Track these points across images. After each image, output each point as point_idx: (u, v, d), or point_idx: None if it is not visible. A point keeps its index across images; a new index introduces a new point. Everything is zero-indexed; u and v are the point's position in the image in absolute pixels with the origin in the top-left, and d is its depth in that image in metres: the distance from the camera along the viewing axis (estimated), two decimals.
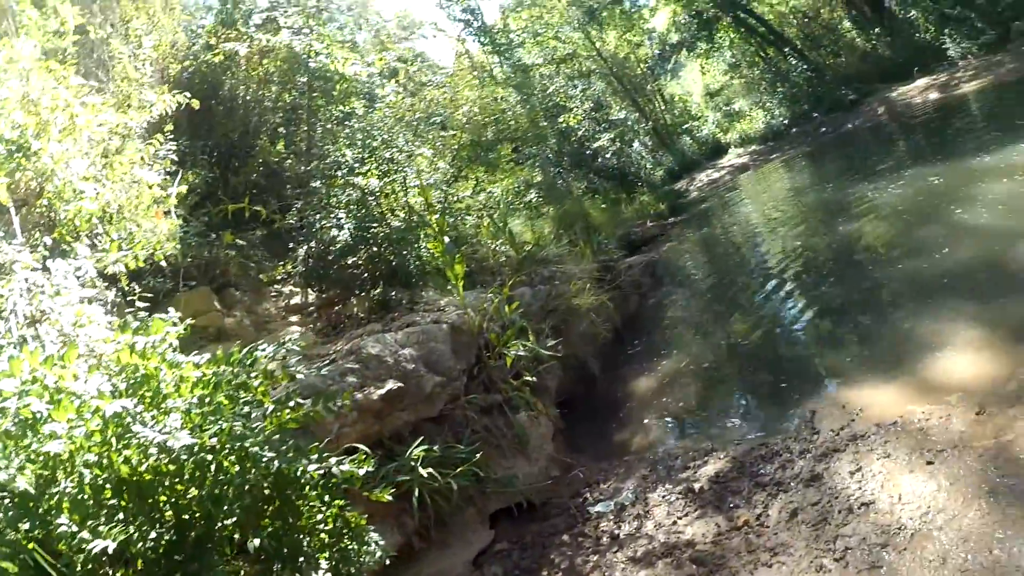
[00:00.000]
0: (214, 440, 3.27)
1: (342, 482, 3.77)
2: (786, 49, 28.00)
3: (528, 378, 6.94)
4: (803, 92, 26.11)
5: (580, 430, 7.82)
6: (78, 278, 4.95)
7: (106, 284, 5.90)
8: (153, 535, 3.09)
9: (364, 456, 4.08)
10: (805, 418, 6.10)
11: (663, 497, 5.80)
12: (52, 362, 3.11)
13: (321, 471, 3.65)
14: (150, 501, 3.20)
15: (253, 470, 3.37)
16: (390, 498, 4.29)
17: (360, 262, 8.09)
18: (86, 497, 3.03)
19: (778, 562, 4.52)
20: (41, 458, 2.96)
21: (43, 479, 3.00)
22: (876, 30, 25.64)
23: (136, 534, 3.03)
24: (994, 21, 20.47)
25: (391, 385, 5.95)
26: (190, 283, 7.30)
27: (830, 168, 18.02)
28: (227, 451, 3.34)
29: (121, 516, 3.10)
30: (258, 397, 3.77)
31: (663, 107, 29.68)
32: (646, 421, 7.51)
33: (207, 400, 3.46)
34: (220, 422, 3.33)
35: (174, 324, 3.76)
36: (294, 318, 7.98)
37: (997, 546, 3.83)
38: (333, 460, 3.72)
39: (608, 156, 20.91)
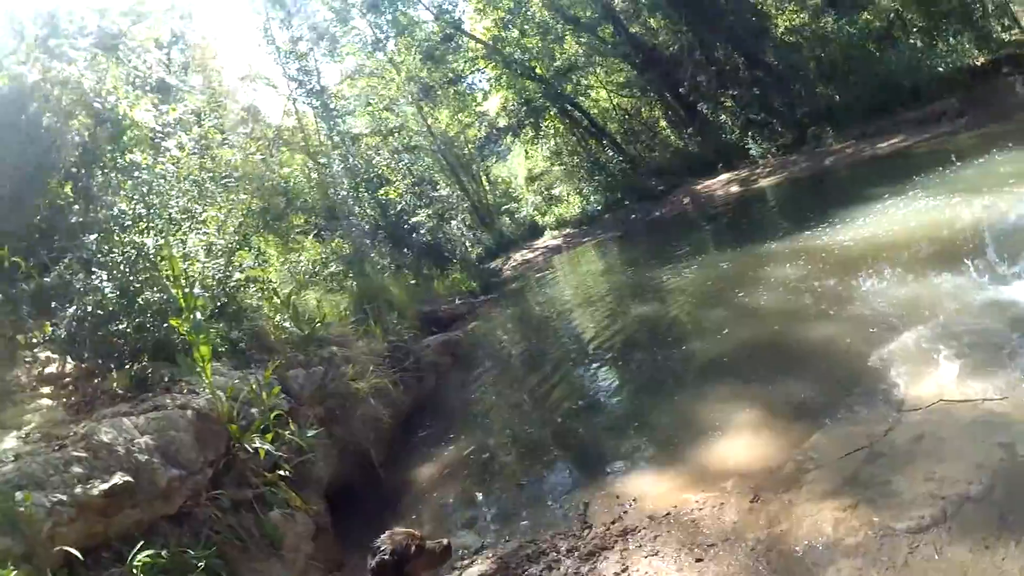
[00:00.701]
0: None
1: None
2: (605, 141, 29.46)
3: (283, 472, 6.39)
4: (618, 181, 27.47)
5: (355, 523, 7.26)
6: None
7: None
8: None
9: None
10: (578, 511, 5.92)
11: None
12: None
13: None
14: None
15: None
16: None
17: (126, 330, 7.33)
18: None
19: None
20: None
21: None
22: (688, 130, 27.63)
23: None
24: (791, 125, 22.81)
25: (117, 479, 5.26)
26: None
27: (635, 252, 19.01)
28: None
29: None
30: None
31: (487, 187, 30.19)
32: (422, 515, 7.10)
33: None
34: None
35: None
36: (46, 389, 7.04)
37: None
38: None
39: (424, 232, 20.84)
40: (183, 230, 8.55)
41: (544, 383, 9.91)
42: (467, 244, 24.45)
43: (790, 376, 6.72)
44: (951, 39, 20.97)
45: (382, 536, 3.83)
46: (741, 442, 5.93)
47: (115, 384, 7.11)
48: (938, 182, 12.13)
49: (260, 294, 9.35)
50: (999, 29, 21.02)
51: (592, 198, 27.79)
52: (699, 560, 4.60)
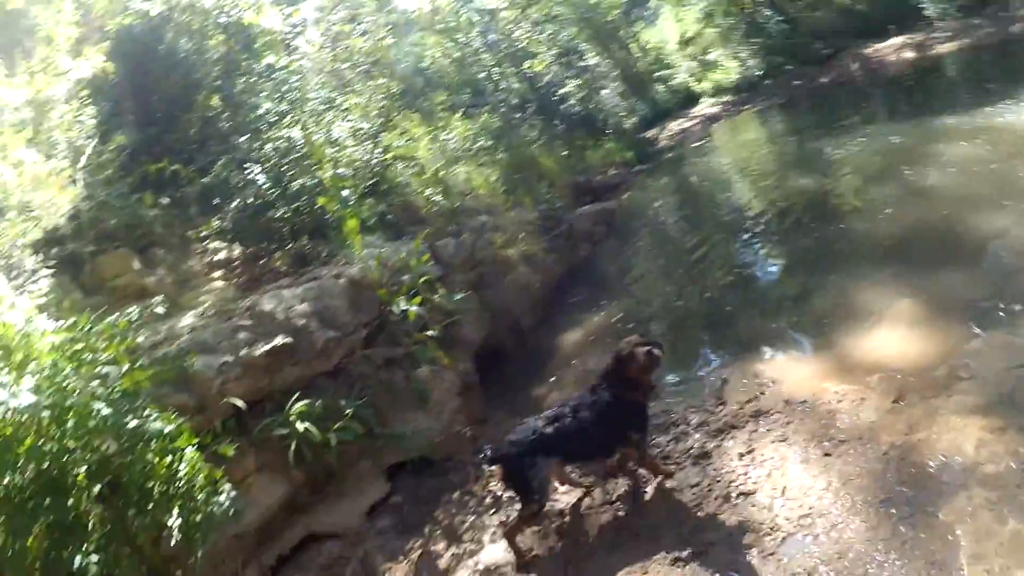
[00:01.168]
0: (55, 399, 3.50)
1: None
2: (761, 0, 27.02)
3: (430, 332, 6.55)
4: (777, 44, 25.15)
5: (501, 384, 7.49)
6: None
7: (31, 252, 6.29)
8: (7, 480, 3.44)
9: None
10: (715, 386, 5.75)
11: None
12: None
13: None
14: (7, 453, 3.48)
15: (95, 425, 3.58)
16: (232, 452, 4.41)
17: (284, 215, 7.72)
18: None
19: (636, 546, 4.24)
20: None
21: None
22: None
23: None
24: None
25: (278, 341, 5.65)
26: (114, 244, 7.08)
27: (798, 121, 17.47)
28: (67, 410, 3.55)
29: None
30: (118, 358, 4.00)
31: (637, 54, 28.66)
32: (567, 377, 7.14)
33: (57, 364, 3.68)
34: (66, 383, 3.61)
35: None
36: (217, 274, 7.62)
37: (874, 570, 3.43)
38: (153, 416, 3.85)
39: (574, 103, 20.24)
40: (327, 119, 8.74)
41: (697, 255, 9.50)
42: (620, 114, 23.53)
43: (957, 269, 6.02)
44: None
45: (622, 342, 4.59)
46: (894, 336, 5.39)
47: (278, 263, 7.57)
48: None
49: (409, 171, 9.45)
50: None
51: (750, 63, 25.64)
52: (827, 455, 4.34)
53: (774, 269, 8.21)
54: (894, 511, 3.70)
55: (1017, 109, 10.11)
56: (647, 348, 4.43)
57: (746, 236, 9.53)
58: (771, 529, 3.91)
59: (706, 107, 24.96)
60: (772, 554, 3.75)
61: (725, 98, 24.96)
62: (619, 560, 4.18)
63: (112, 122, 8.21)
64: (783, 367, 5.63)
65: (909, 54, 18.73)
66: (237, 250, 8.04)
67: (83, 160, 7.21)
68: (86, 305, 5.52)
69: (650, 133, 22.99)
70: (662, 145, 21.19)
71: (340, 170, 7.35)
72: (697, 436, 5.02)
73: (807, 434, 4.60)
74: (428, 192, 9.25)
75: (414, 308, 6.38)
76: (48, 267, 6.34)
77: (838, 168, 10.82)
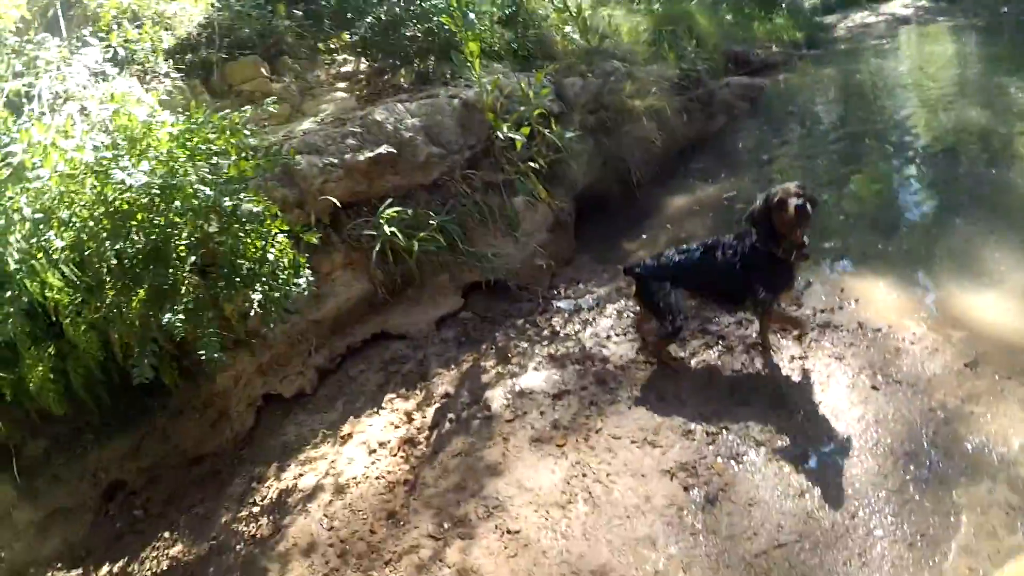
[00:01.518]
0: (166, 181, 3.88)
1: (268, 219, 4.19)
2: None
3: (534, 164, 6.45)
4: None
5: (599, 230, 7.40)
6: (109, 61, 5.58)
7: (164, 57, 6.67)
8: (119, 246, 3.82)
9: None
10: (798, 285, 5.37)
11: (618, 311, 5.51)
12: (46, 127, 4.01)
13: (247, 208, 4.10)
14: (122, 225, 3.88)
15: (198, 204, 3.92)
16: (316, 240, 4.56)
17: (414, 34, 7.61)
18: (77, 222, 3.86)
19: (658, 408, 4.27)
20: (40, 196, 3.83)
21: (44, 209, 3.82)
22: None
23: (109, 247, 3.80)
24: None
25: (382, 150, 5.72)
26: (244, 52, 7.23)
27: (996, 48, 15.08)
28: (176, 190, 3.91)
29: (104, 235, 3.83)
30: (228, 150, 4.33)
31: None
32: (660, 238, 6.99)
33: (172, 152, 4.07)
34: (178, 168, 4.00)
35: None
36: (342, 84, 7.69)
37: (865, 513, 3.35)
38: (246, 199, 4.13)
39: None
40: None
41: (837, 155, 8.84)
42: None
43: None
44: None
45: (776, 186, 4.27)
46: (1002, 304, 4.80)
47: (402, 79, 7.59)
48: None
49: (550, 5, 9.05)
50: None
51: None
52: (874, 388, 4.13)
53: (910, 193, 7.51)
54: (912, 468, 3.55)
55: None
56: (800, 201, 4.05)
57: (896, 152, 8.69)
58: (787, 438, 3.85)
59: (898, 6, 22.52)
60: (777, 459, 3.73)
61: (922, 2, 22.48)
62: (635, 416, 4.23)
63: None
64: (873, 290, 5.27)
65: None
66: (364, 64, 8.06)
67: None
68: (213, 106, 5.85)
69: (829, 19, 21.09)
70: (838, 34, 19.42)
71: None
72: (756, 327, 4.81)
73: (864, 361, 4.38)
74: (568, 29, 8.87)
75: (519, 137, 6.26)
76: (179, 71, 6.67)
77: (1014, 111, 9.49)
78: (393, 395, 4.95)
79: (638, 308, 4.97)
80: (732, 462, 3.76)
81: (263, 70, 7.11)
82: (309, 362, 5.24)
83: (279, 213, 4.32)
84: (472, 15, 6.75)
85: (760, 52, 15.06)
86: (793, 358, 4.51)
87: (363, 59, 8.09)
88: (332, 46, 8.26)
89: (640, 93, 8.25)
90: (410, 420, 4.66)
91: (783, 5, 19.01)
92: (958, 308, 4.85)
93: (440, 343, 5.45)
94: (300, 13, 8.11)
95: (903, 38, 18.18)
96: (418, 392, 4.93)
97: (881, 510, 3.32)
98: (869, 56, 16.06)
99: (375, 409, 4.84)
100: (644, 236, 7.06)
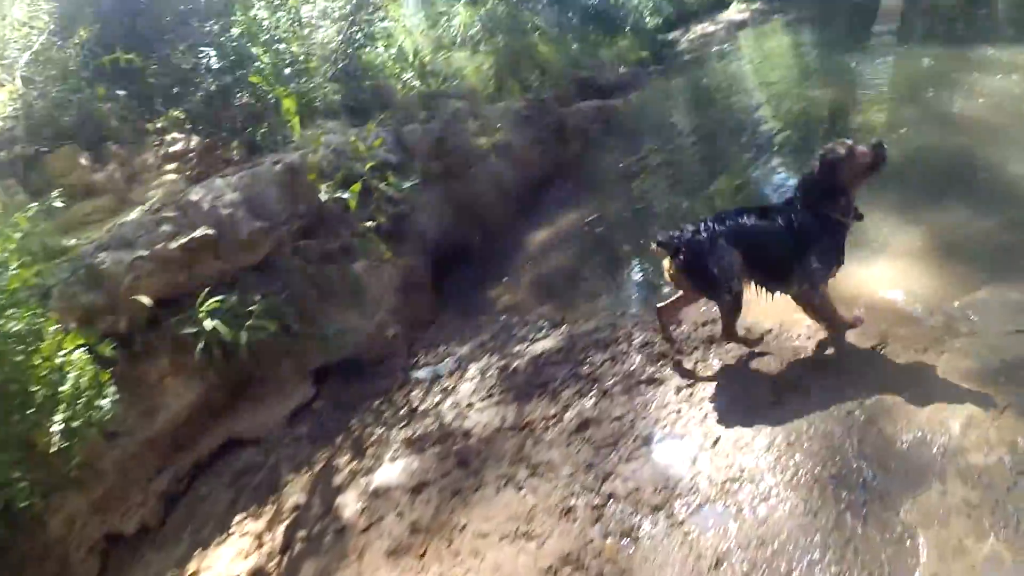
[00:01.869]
0: None
1: None
2: None
3: (370, 223, 5.84)
4: None
5: (460, 281, 6.86)
6: None
7: None
8: None
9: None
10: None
11: (481, 371, 4.90)
12: None
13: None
14: None
15: None
16: (111, 352, 4.11)
17: (246, 102, 6.93)
18: None
19: (529, 485, 3.59)
20: None
21: None
22: None
23: None
24: None
25: (197, 233, 5.01)
26: (65, 142, 6.38)
27: (829, 34, 15.85)
28: None
29: None
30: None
31: None
32: (521, 280, 6.49)
33: None
34: None
35: None
36: (171, 166, 6.89)
37: (800, 571, 2.66)
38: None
39: None
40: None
41: (698, 159, 8.70)
42: (644, 13, 22.04)
43: (969, 206, 5.01)
44: None
45: (827, 145, 3.84)
46: (892, 270, 4.44)
47: (233, 152, 6.88)
48: None
49: (388, 55, 8.55)
50: None
51: None
52: (777, 403, 3.56)
53: (771, 184, 7.23)
54: (844, 493, 2.89)
55: None
56: (876, 142, 3.75)
57: (749, 146, 8.51)
58: (688, 490, 3.19)
59: (734, 12, 23.19)
60: (680, 523, 3.03)
61: (755, 5, 23.15)
62: (505, 501, 3.60)
63: (77, 15, 7.35)
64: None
65: None
66: (195, 140, 7.32)
67: (25, 59, 6.58)
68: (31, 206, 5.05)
69: (672, 35, 21.47)
70: (682, 47, 19.77)
71: (281, 45, 6.44)
72: (636, 359, 4.34)
73: (761, 373, 3.84)
74: (407, 76, 8.38)
75: (348, 196, 5.64)
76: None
77: (858, 85, 9.77)
78: (243, 514, 4.22)
79: (680, 290, 4.19)
80: (626, 540, 3.07)
81: (82, 160, 6.30)
82: (151, 489, 4.49)
83: (87, 322, 3.93)
84: (288, 70, 6.12)
85: (609, 75, 15.01)
86: (679, 389, 3.95)
87: (193, 135, 7.34)
88: (160, 125, 7.49)
89: (486, 131, 7.80)
90: (260, 544, 3.93)
91: (626, 28, 19.19)
92: (849, 286, 4.35)
93: (292, 443, 4.75)
94: (123, 93, 7.28)
95: (743, 40, 18.61)
96: (269, 507, 4.21)
97: (820, 560, 2.67)
98: (714, 62, 16.31)
99: (224, 536, 4.10)
100: (506, 279, 6.54)
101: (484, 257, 7.12)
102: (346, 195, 5.66)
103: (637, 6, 21.52)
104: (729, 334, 4.03)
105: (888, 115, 7.89)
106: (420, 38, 10.07)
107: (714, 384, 3.90)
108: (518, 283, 6.39)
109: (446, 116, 7.64)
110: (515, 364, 4.74)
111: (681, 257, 3.90)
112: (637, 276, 5.93)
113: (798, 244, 3.78)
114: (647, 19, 21.81)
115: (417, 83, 8.28)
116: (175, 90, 7.32)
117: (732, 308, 3.91)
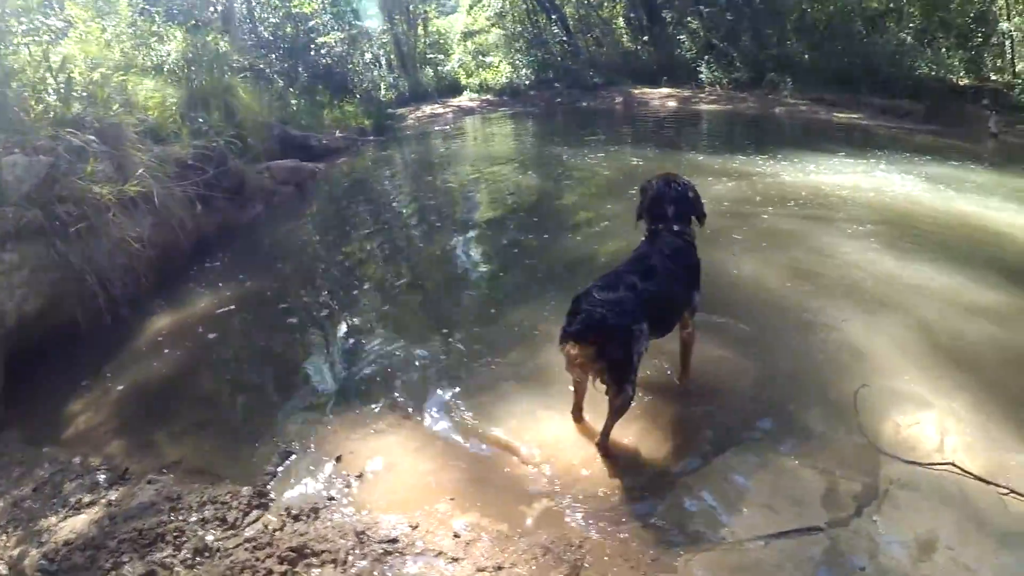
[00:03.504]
0: None
1: None
2: (556, 19, 25.85)
3: None
4: (556, 63, 24.44)
5: (45, 383, 4.69)
6: None
7: None
8: None
9: None
10: (273, 465, 3.56)
11: None
12: None
13: None
14: None
15: None
16: None
17: None
18: None
19: None
20: None
21: None
22: (645, 37, 24.71)
23: None
24: (751, 64, 20.34)
25: None
26: None
27: (548, 129, 17.06)
28: None
29: None
30: None
31: (420, 34, 26.29)
32: (121, 387, 4.63)
33: None
34: None
35: None
36: None
37: None
38: None
39: (326, 54, 17.62)
40: None
41: (379, 244, 7.67)
42: (379, 85, 21.23)
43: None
44: (942, 50, 18.86)
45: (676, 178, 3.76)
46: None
47: None
48: (907, 163, 10.60)
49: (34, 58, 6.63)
50: (992, 62, 19.31)
51: (523, 71, 24.35)
52: None
53: (465, 276, 6.64)
54: None
55: (774, 165, 10.19)
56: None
57: (448, 230, 8.03)
58: None
59: (466, 99, 23.41)
60: None
61: (488, 96, 23.58)
62: None
63: None
64: (397, 444, 3.64)
65: (673, 103, 19.13)
66: None
67: None
68: None
69: (402, 110, 20.88)
70: (408, 123, 19.25)
71: None
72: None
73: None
74: (48, 92, 6.48)
75: None
76: None
77: (569, 176, 10.32)
78: None
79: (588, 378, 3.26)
80: None
81: None
82: None
83: None
84: None
85: (323, 138, 13.82)
86: None
87: None
88: None
89: (122, 177, 6.14)
90: None
91: (357, 95, 18.26)
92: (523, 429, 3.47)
93: None
94: None
95: (468, 124, 18.86)
96: None
97: None
98: (434, 140, 16.26)
99: None
100: (85, 383, 4.67)
101: (92, 349, 5.13)
102: None
103: (374, 77, 20.82)
104: (607, 448, 3.31)
105: (591, 208, 8.25)
106: (103, 51, 8.16)
107: None
108: (107, 395, 4.53)
109: (67, 151, 5.82)
110: (26, 559, 3.02)
111: (597, 346, 3.02)
112: (248, 413, 4.30)
113: (689, 276, 3.48)
114: (382, 91, 21.13)
115: (58, 103, 6.40)
116: None
117: (624, 406, 3.19)
